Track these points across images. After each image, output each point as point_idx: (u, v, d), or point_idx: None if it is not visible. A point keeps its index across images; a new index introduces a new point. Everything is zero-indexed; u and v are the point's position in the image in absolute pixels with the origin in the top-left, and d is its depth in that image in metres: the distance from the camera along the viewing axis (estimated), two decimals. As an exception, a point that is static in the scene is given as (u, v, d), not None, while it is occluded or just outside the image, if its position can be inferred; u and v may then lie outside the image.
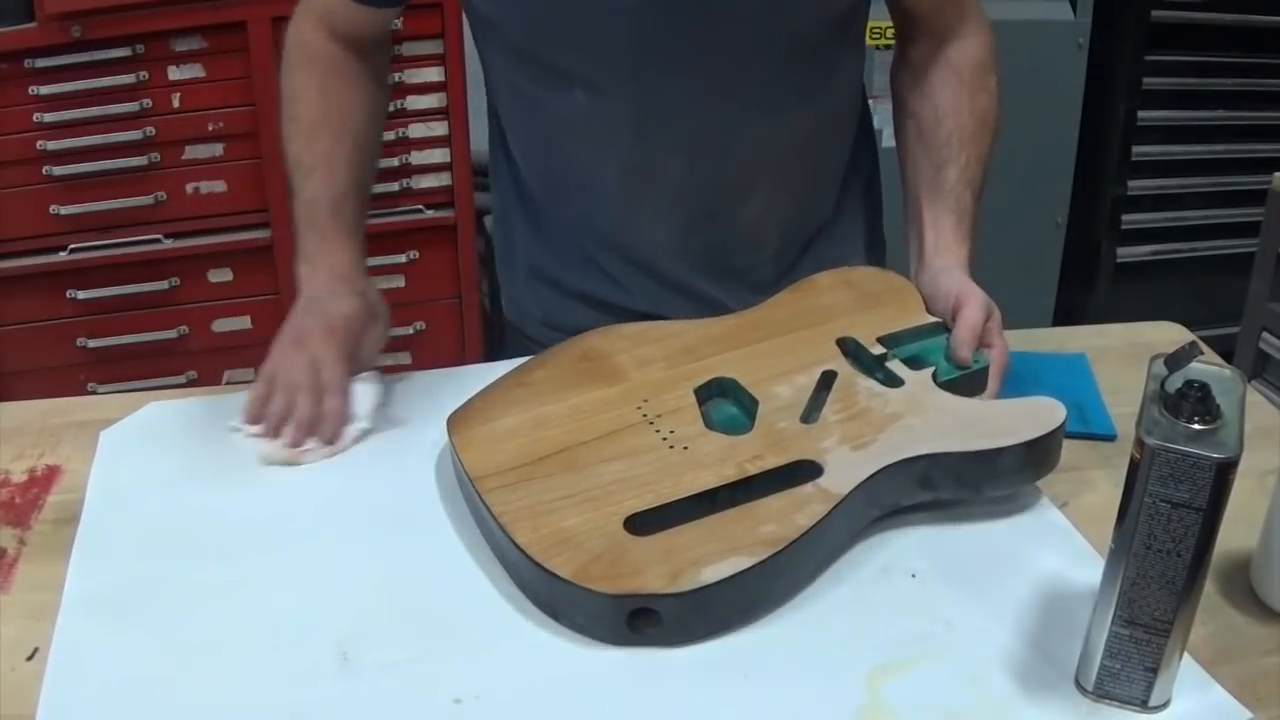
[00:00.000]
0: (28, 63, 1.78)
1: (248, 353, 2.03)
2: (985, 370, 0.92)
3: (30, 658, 0.71)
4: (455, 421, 0.85)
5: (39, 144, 1.82)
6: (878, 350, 0.91)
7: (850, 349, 0.92)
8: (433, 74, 1.97)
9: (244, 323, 2.04)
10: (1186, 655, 0.67)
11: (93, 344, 1.95)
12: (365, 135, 1.04)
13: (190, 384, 1.99)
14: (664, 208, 1.03)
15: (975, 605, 0.75)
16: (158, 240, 1.93)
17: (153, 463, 0.89)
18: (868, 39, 1.09)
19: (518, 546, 0.73)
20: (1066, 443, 0.92)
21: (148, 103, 1.84)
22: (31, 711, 0.66)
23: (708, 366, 0.89)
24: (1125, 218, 2.43)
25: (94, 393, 1.88)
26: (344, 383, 0.92)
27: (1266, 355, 1.91)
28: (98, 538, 0.81)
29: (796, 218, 1.09)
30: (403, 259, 2.06)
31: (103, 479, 0.87)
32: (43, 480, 0.88)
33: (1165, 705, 0.67)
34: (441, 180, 2.05)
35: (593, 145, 1.01)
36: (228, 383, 2.02)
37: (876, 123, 1.17)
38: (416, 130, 2.00)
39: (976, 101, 1.02)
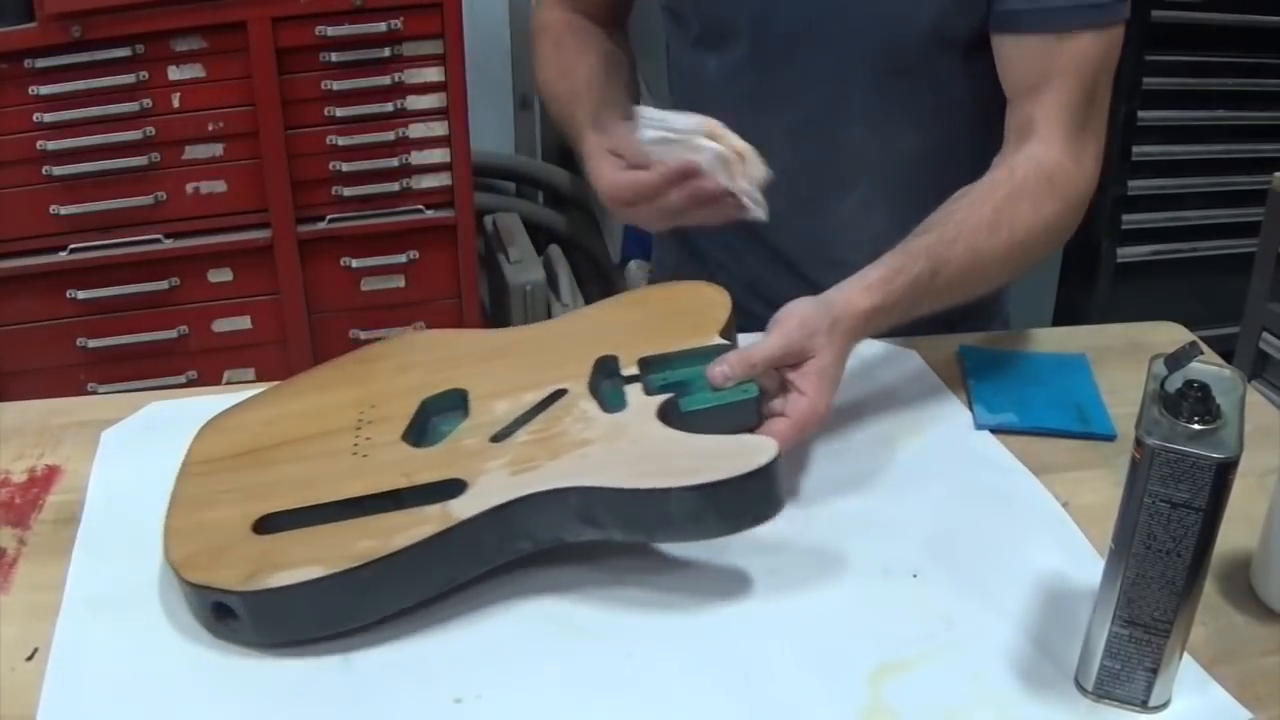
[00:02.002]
0: (28, 63, 1.77)
1: (248, 353, 2.04)
2: (747, 404, 0.79)
3: (30, 658, 0.71)
4: (227, 410, 0.86)
5: (39, 144, 1.82)
6: (630, 371, 0.82)
7: (603, 368, 0.83)
8: (433, 74, 1.97)
9: (244, 323, 2.04)
10: (1186, 655, 0.67)
11: (93, 344, 1.95)
12: (614, 53, 1.11)
13: (190, 384, 1.99)
14: (772, 184, 1.07)
15: (975, 605, 0.75)
16: (158, 240, 1.93)
17: (154, 463, 0.88)
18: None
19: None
20: (1066, 443, 0.92)
21: (148, 103, 1.84)
22: (31, 711, 0.66)
23: (455, 378, 0.84)
24: (1125, 218, 2.43)
25: (94, 393, 1.88)
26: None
27: (1266, 355, 1.92)
28: (98, 538, 0.81)
29: (898, 229, 1.01)
30: (403, 259, 2.06)
31: (103, 479, 0.87)
32: (43, 480, 0.88)
33: (1165, 705, 0.68)
34: (441, 180, 2.05)
35: (717, 111, 1.08)
36: (227, 382, 2.02)
37: None
38: (416, 130, 1.99)
39: (1008, 203, 0.92)
